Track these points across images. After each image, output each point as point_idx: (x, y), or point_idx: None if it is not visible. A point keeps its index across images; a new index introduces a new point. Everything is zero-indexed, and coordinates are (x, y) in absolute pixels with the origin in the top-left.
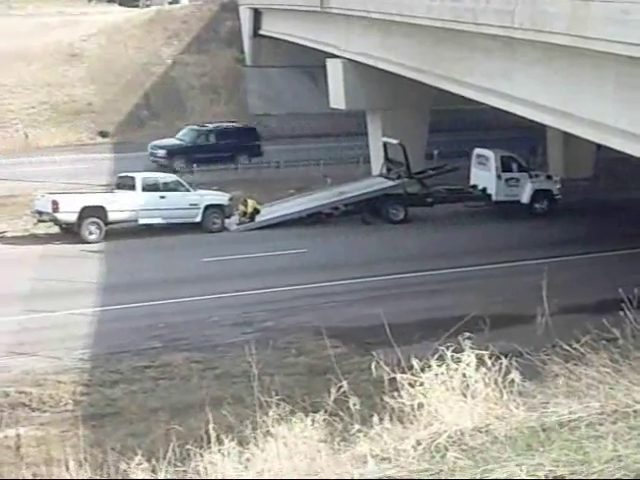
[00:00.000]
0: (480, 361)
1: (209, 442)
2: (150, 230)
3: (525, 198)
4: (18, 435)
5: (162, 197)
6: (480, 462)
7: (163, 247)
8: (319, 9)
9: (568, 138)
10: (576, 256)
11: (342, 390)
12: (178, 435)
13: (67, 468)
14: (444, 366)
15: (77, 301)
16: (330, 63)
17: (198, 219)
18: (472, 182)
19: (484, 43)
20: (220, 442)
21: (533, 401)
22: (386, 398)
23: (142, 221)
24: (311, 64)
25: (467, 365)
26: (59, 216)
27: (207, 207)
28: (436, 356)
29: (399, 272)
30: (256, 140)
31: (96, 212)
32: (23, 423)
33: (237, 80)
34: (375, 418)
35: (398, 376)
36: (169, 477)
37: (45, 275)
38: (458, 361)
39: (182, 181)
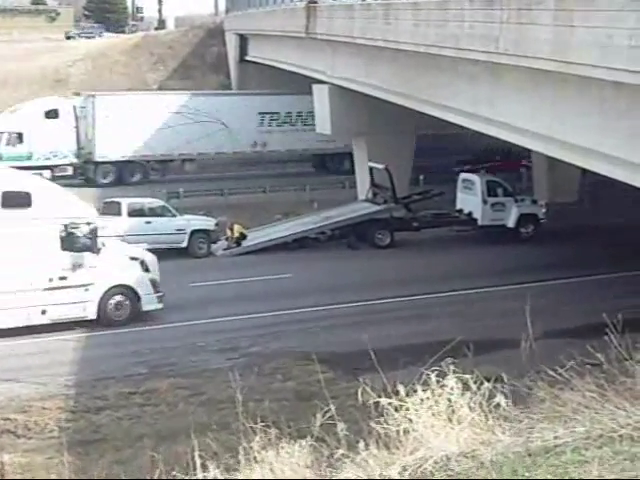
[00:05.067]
0: (465, 386)
1: (195, 469)
2: None
3: (511, 222)
4: (2, 462)
5: (148, 222)
6: None
7: None
8: (304, 35)
9: (553, 163)
10: (561, 280)
11: (328, 416)
12: (164, 462)
13: None
14: (429, 391)
15: (62, 327)
16: (316, 88)
17: (184, 244)
18: (458, 207)
19: (468, 68)
20: (205, 469)
21: (519, 426)
22: (372, 424)
23: None
24: (297, 89)
25: (452, 390)
26: None
27: (193, 232)
28: (421, 381)
29: (385, 297)
30: None
31: None
32: (8, 450)
33: None
34: (361, 444)
35: (384, 401)
36: None
37: None
38: (443, 386)
39: (168, 206)
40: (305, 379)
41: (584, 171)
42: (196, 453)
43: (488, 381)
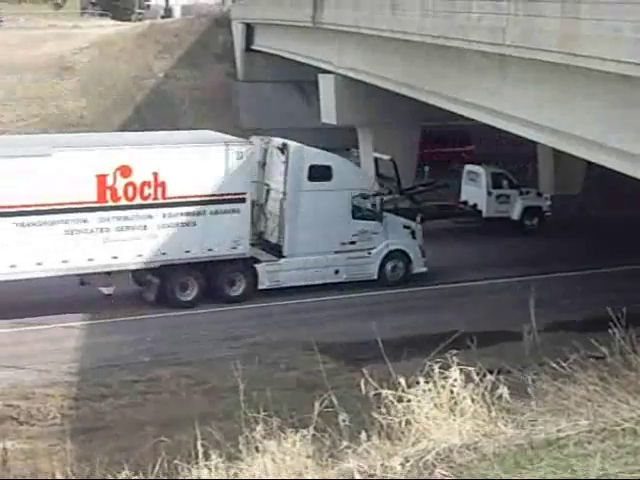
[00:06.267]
0: (468, 378)
1: (197, 457)
2: None
3: (515, 215)
4: (5, 449)
5: None
6: None
7: None
8: (311, 25)
9: (558, 155)
10: (565, 273)
11: (331, 406)
12: (166, 450)
13: None
14: (432, 382)
15: (67, 314)
16: (322, 78)
17: None
18: (463, 198)
19: (475, 60)
20: (208, 457)
21: (521, 418)
22: (374, 414)
23: None
24: (303, 79)
25: (454, 381)
26: None
27: None
28: (424, 372)
29: (387, 288)
30: None
31: None
32: (11, 436)
33: (229, 95)
34: (363, 434)
35: (387, 392)
36: None
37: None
38: (446, 378)
39: None
40: (308, 369)
41: (589, 164)
42: (199, 441)
43: (491, 373)
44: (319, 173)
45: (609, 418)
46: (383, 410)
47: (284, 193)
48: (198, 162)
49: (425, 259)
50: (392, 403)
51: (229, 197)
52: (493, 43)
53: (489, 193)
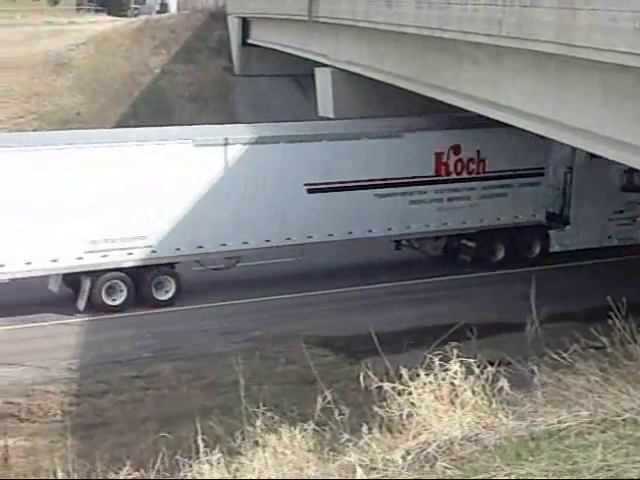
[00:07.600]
0: (468, 370)
1: (198, 452)
2: None
3: None
4: (6, 446)
5: None
6: (469, 472)
7: None
8: (307, 18)
9: None
10: (564, 264)
11: (331, 399)
12: (167, 445)
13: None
14: (432, 375)
15: (66, 310)
16: (319, 72)
17: None
18: None
19: (471, 51)
20: (209, 452)
21: (522, 410)
22: (375, 407)
23: None
24: (300, 73)
25: (455, 374)
26: None
27: None
28: (425, 365)
29: (388, 281)
30: None
31: None
32: (11, 434)
33: (226, 89)
34: (364, 428)
35: (387, 385)
36: None
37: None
38: (446, 370)
39: None
40: (308, 363)
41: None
42: (199, 436)
43: (492, 365)
44: None
45: (610, 408)
46: (384, 403)
47: (570, 168)
48: (509, 141)
49: None
50: (393, 396)
51: (532, 171)
52: (489, 34)
53: None
